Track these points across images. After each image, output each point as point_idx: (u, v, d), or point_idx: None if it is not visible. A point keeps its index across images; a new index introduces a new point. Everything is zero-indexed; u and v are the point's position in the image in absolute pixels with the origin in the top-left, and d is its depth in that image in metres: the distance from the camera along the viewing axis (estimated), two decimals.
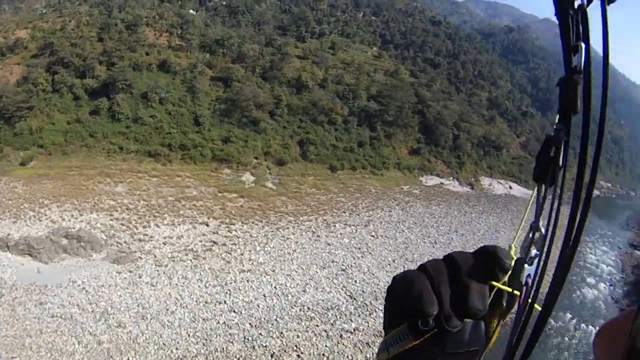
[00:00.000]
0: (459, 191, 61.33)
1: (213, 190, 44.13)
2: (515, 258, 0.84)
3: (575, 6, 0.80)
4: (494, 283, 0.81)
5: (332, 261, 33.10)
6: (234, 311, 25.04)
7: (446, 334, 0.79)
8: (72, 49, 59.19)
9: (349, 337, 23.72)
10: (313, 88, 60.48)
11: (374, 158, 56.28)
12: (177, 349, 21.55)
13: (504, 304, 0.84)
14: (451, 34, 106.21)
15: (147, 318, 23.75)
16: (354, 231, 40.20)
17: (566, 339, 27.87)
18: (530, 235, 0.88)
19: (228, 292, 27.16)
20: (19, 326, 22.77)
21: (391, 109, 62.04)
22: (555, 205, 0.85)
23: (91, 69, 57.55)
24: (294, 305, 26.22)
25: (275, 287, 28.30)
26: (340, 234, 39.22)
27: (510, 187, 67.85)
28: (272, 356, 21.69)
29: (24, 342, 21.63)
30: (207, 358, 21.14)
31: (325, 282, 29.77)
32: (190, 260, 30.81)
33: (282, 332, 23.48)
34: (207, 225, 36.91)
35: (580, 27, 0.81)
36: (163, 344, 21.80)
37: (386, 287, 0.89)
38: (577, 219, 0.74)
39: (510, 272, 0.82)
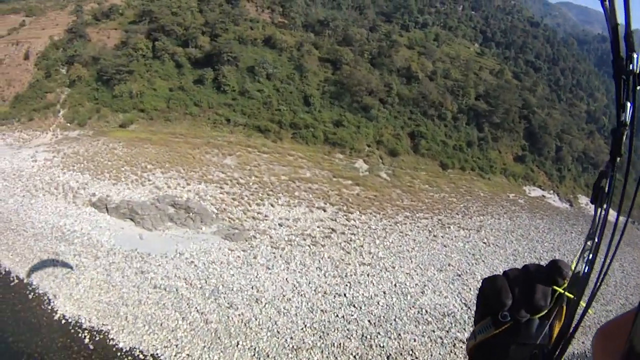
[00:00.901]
0: (559, 207, 57.78)
1: (327, 174, 43.29)
2: (573, 269, 1.05)
3: (628, 71, 0.93)
4: (555, 287, 1.00)
5: (449, 264, 31.89)
6: (354, 306, 23.86)
7: (519, 327, 1.00)
8: (173, 17, 59.38)
9: (462, 347, 22.34)
10: (423, 80, 58.11)
11: (481, 160, 53.56)
12: (291, 338, 20.32)
13: (564, 307, 1.02)
14: (549, 37, 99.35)
15: (261, 302, 22.60)
16: (467, 235, 38.74)
17: None
18: (581, 249, 1.10)
19: (348, 284, 25.97)
20: (114, 293, 21.55)
21: (499, 111, 58.74)
22: (601, 223, 1.07)
23: (194, 38, 57.45)
24: (413, 307, 24.97)
25: (395, 284, 27.10)
26: (455, 236, 37.87)
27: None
28: (387, 358, 20.40)
29: (118, 311, 20.38)
30: (322, 352, 19.86)
31: (443, 285, 28.45)
32: (309, 246, 29.74)
33: (399, 334, 22.24)
34: (325, 210, 36.23)
35: (630, 89, 0.94)
36: (277, 331, 20.56)
37: None
38: (617, 241, 0.95)
39: (568, 279, 1.01)
